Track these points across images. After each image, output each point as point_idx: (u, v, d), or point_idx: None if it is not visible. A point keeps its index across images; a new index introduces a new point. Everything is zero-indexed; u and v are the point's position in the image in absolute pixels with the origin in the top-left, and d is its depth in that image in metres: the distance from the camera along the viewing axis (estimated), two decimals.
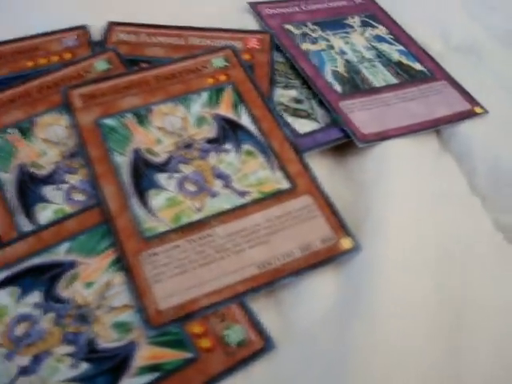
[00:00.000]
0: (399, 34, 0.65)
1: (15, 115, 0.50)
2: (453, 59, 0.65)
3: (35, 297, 0.40)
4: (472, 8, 0.72)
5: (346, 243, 0.43)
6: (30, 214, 0.44)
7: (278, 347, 0.39)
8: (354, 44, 0.62)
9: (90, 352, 0.38)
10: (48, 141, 0.48)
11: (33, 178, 0.46)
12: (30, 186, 0.46)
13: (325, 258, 0.43)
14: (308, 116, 0.53)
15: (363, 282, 0.42)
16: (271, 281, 0.41)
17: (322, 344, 0.39)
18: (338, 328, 0.40)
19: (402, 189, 0.49)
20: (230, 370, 0.38)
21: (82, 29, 0.58)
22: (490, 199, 0.52)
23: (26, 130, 0.49)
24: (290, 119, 0.53)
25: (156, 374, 0.38)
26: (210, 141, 0.49)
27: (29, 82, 0.52)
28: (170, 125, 0.49)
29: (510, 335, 0.42)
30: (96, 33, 0.58)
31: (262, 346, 0.39)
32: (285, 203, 0.45)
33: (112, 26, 0.59)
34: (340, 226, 0.44)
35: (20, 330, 0.39)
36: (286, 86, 0.56)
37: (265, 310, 0.41)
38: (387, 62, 0.61)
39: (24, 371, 0.38)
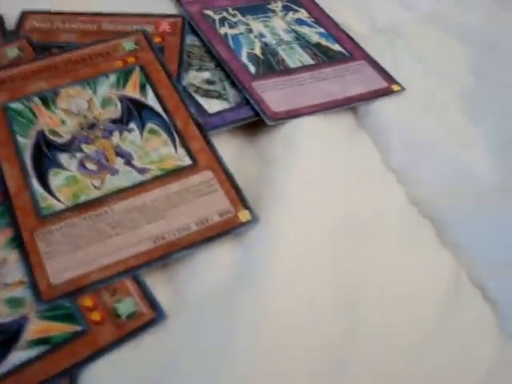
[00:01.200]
0: (320, 17, 0.65)
1: None
2: (376, 41, 0.65)
3: None
4: None
5: (243, 216, 0.44)
6: None
7: (169, 319, 0.39)
8: (274, 27, 0.63)
9: None
10: None
11: None
12: None
13: (221, 231, 0.43)
14: (219, 96, 0.54)
15: (258, 255, 0.42)
16: (165, 254, 0.42)
17: (214, 315, 0.40)
18: (230, 300, 0.40)
19: (308, 164, 0.49)
20: (119, 342, 0.38)
21: None
22: (406, 174, 0.53)
23: None
24: (200, 100, 0.53)
25: (45, 347, 0.38)
26: (114, 121, 0.49)
27: None
28: (75, 106, 0.50)
29: (411, 305, 0.42)
30: (11, 21, 0.58)
31: (152, 317, 0.39)
32: (184, 179, 0.46)
33: (26, 14, 0.59)
34: (239, 199, 0.45)
35: None
36: (200, 69, 0.56)
37: (159, 283, 0.42)
38: (306, 44, 0.61)
39: None
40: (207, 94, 0.54)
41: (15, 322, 0.39)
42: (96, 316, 0.39)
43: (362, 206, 0.48)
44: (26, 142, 0.47)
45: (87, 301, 0.40)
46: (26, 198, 0.44)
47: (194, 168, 0.46)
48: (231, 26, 0.62)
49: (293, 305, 0.40)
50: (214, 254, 0.43)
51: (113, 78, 0.52)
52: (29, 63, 0.53)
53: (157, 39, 0.56)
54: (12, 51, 0.54)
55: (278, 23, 0.64)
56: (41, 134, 0.48)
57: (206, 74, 0.56)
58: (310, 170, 0.49)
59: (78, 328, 0.39)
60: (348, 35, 0.64)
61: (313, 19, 0.65)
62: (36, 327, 0.39)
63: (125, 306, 0.39)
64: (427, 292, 0.44)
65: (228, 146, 0.50)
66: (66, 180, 0.45)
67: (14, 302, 0.40)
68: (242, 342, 0.38)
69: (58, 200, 0.44)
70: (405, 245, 0.46)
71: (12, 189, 0.44)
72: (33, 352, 0.38)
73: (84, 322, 0.39)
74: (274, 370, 0.37)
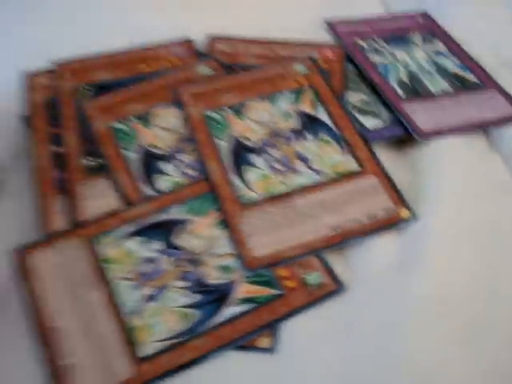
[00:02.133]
0: (455, 49, 0.75)
1: (136, 108, 0.62)
2: (502, 71, 0.73)
3: (158, 245, 0.52)
4: None
5: (404, 213, 0.54)
6: (151, 183, 0.56)
7: (347, 290, 0.50)
8: (416, 57, 0.72)
9: (200, 286, 0.50)
10: (165, 128, 0.60)
11: (152, 157, 0.58)
12: (150, 162, 0.58)
13: (386, 225, 0.53)
14: (375, 115, 0.64)
15: (419, 245, 0.52)
16: (343, 240, 0.52)
17: (385, 291, 0.50)
18: (398, 280, 0.50)
19: (453, 176, 0.59)
20: (309, 305, 0.49)
21: (188, 41, 0.70)
22: None
23: (144, 120, 0.61)
24: (359, 117, 0.63)
25: (251, 305, 0.49)
26: (293, 131, 0.60)
27: (147, 82, 0.64)
28: (261, 117, 0.61)
29: None
30: (200, 44, 0.70)
31: (334, 288, 0.50)
32: (354, 181, 0.56)
33: (213, 38, 0.71)
34: (400, 200, 0.55)
35: (146, 268, 0.51)
36: (356, 91, 0.67)
37: (337, 262, 0.52)
38: (444, 73, 0.70)
39: (149, 298, 0.49)
40: (364, 113, 0.64)
41: (226, 284, 0.50)
42: (291, 283, 0.50)
43: (494, 216, 0.57)
44: (223, 144, 0.58)
45: (283, 271, 0.50)
46: (228, 189, 0.55)
47: (361, 173, 0.57)
48: (380, 55, 0.72)
49: (448, 286, 0.50)
50: (382, 242, 0.53)
51: (289, 95, 0.63)
52: (220, 80, 0.64)
53: (323, 65, 0.67)
54: (204, 69, 0.66)
55: (419, 54, 0.73)
56: (235, 139, 0.59)
57: (362, 96, 0.66)
58: (455, 182, 0.58)
59: (276, 292, 0.49)
60: (479, 66, 0.72)
61: (449, 51, 0.74)
62: (243, 289, 0.49)
63: (313, 278, 0.50)
64: None
65: (383, 158, 0.60)
66: (259, 176, 0.56)
67: (225, 269, 0.50)
68: (409, 314, 0.47)
69: (254, 192, 0.55)
70: None
71: (217, 182, 0.55)
72: (242, 308, 0.48)
73: (281, 288, 0.49)
74: (436, 339, 0.46)
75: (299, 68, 0.66)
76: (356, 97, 0.66)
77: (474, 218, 0.56)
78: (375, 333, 0.47)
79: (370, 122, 0.63)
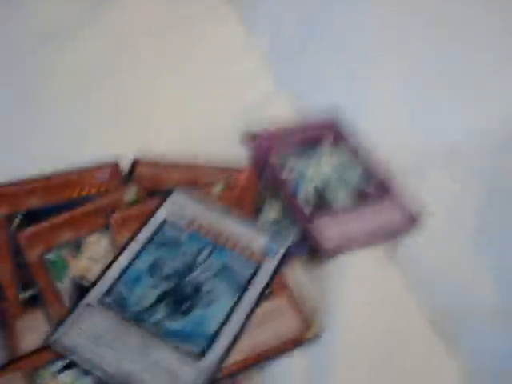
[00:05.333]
0: (360, 159, 0.83)
1: (66, 236, 0.68)
2: (400, 180, 0.83)
3: (93, 378, 0.58)
4: (416, 133, 0.91)
5: (310, 334, 0.61)
6: None
7: None
8: (323, 171, 0.81)
9: None
10: (93, 258, 0.66)
11: (82, 289, 0.64)
12: (80, 295, 0.63)
13: (295, 345, 0.61)
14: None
15: (322, 357, 0.61)
16: (256, 363, 0.59)
17: None
18: None
19: (355, 288, 0.68)
20: None
21: (113, 164, 0.76)
22: (424, 296, 0.70)
23: (75, 248, 0.67)
24: None
25: None
26: None
27: (75, 209, 0.70)
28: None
29: None
30: (124, 164, 0.76)
31: None
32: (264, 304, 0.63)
33: (136, 162, 0.77)
34: (306, 321, 0.62)
35: None
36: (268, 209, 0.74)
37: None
38: (347, 186, 0.79)
39: None
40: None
41: None
42: None
43: (390, 321, 0.66)
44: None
45: None
46: None
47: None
48: (290, 172, 0.80)
49: None
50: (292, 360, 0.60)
51: None
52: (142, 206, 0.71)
53: (241, 184, 0.75)
54: (130, 195, 0.72)
55: (326, 166, 0.81)
56: None
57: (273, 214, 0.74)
58: (357, 293, 0.67)
59: None
60: (381, 178, 0.81)
61: (354, 161, 0.83)
62: None
63: None
64: None
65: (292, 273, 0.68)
66: None
67: None
68: None
69: None
70: (421, 351, 0.64)
71: None
72: None
73: None
74: None
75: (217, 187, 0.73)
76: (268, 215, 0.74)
77: (374, 325, 0.65)
78: None
79: None
